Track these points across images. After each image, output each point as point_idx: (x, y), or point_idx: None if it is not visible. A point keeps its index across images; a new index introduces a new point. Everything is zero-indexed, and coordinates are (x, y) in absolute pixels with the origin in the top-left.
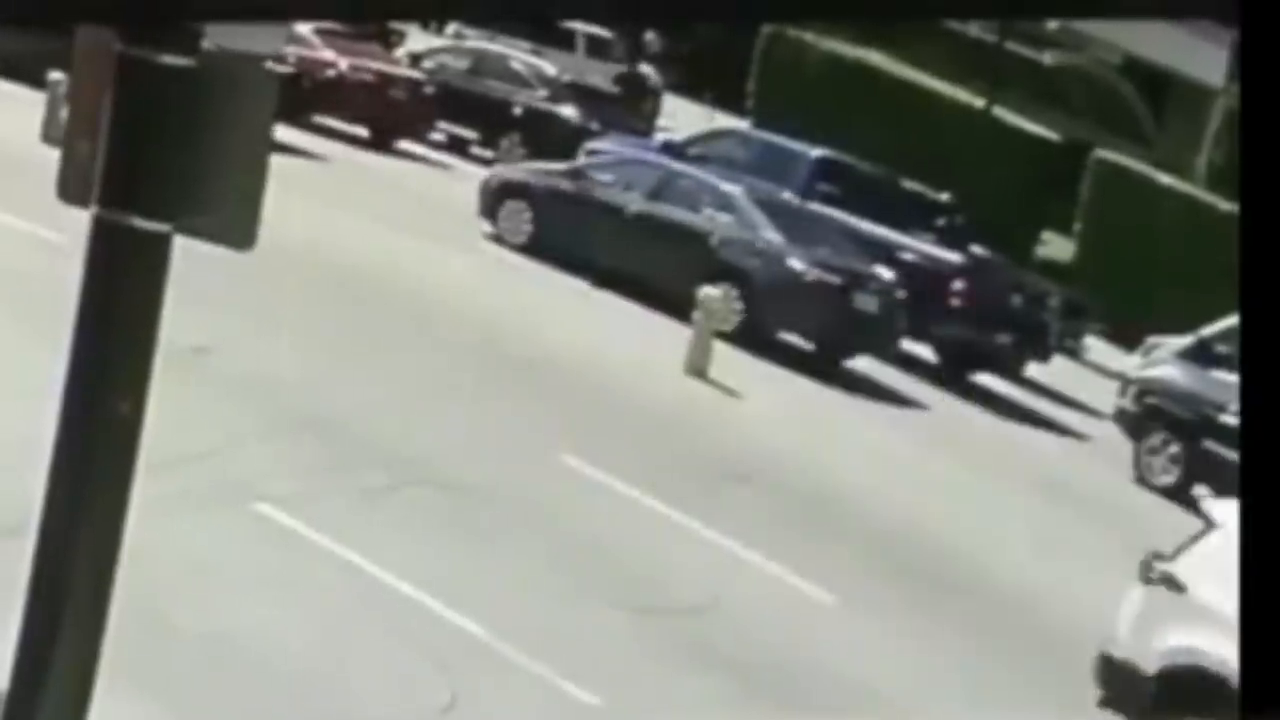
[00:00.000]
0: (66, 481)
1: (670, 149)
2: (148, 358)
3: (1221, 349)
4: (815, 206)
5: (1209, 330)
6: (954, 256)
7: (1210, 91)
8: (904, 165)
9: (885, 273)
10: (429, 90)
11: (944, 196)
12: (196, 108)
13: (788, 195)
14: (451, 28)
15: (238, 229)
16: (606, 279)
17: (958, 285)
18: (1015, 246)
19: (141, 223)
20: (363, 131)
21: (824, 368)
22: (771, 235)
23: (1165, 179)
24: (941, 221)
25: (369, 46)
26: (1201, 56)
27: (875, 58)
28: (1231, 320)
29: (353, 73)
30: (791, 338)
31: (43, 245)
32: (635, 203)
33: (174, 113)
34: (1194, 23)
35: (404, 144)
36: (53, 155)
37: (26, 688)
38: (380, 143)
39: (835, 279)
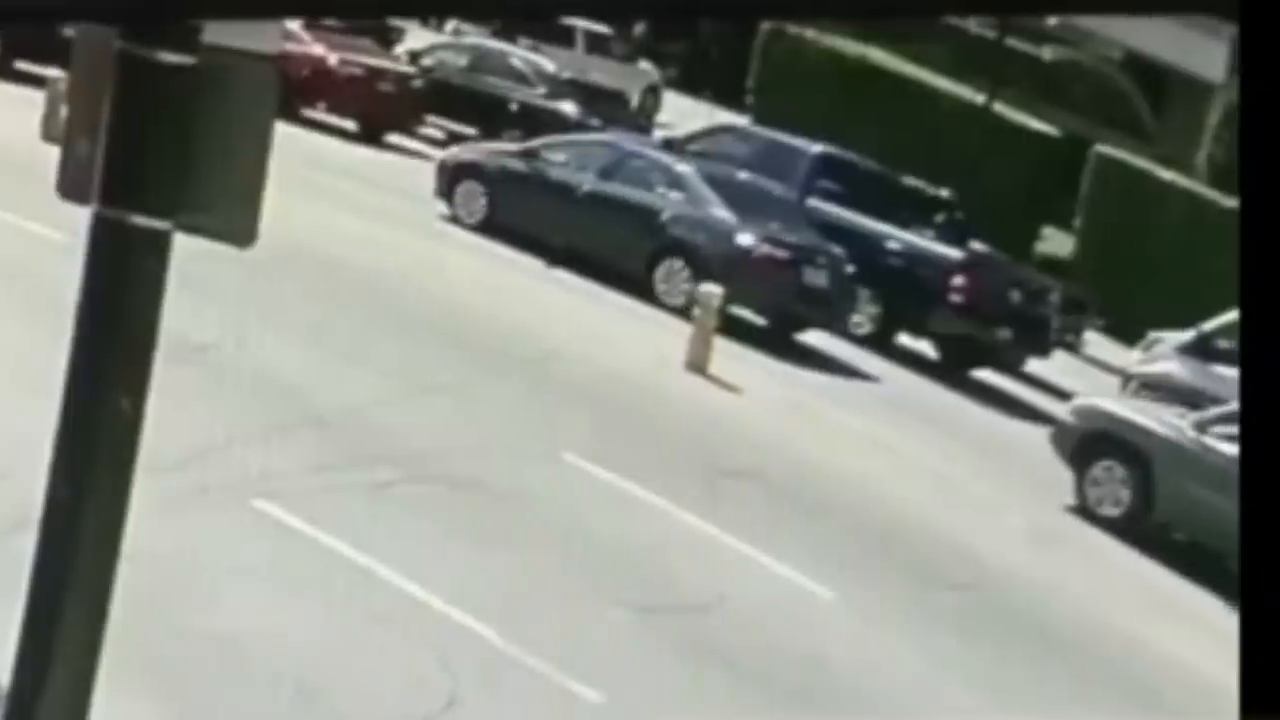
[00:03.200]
0: (67, 479)
1: (670, 146)
2: (148, 355)
3: (1222, 344)
4: (766, 183)
5: (1210, 325)
6: (954, 252)
7: (1210, 87)
8: (904, 161)
9: (834, 247)
10: (418, 84)
11: (944, 192)
12: (197, 105)
13: (745, 175)
14: (451, 24)
15: (239, 226)
16: (560, 257)
17: (958, 281)
18: (1015, 242)
19: (142, 220)
20: (351, 125)
21: (776, 341)
22: (721, 212)
23: (1165, 174)
24: (941, 217)
25: (357, 40)
26: (1201, 52)
27: (875, 54)
28: (1232, 315)
29: (341, 66)
30: (744, 313)
31: (43, 243)
32: (587, 182)
33: (174, 110)
34: (1194, 18)
35: (393, 138)
36: (53, 153)
37: (27, 686)
38: (369, 136)
39: (783, 253)
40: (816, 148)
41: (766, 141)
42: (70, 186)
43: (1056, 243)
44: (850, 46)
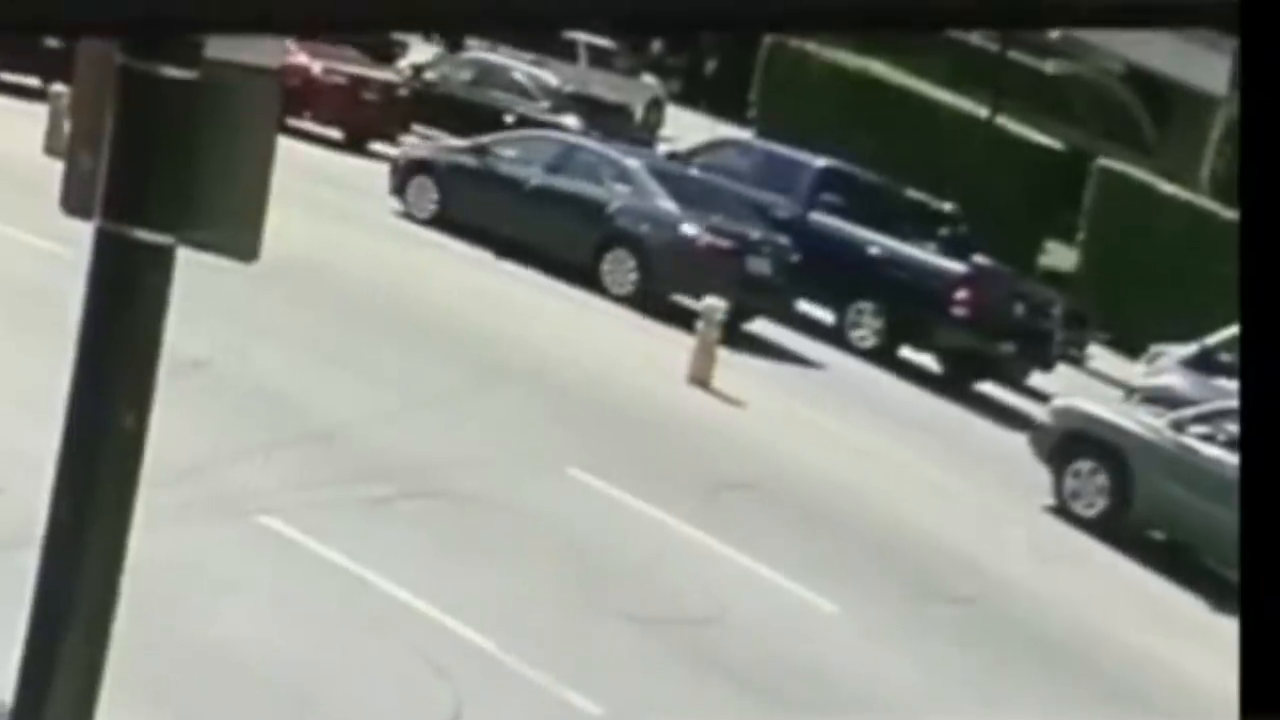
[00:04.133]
0: (70, 494)
1: (674, 159)
2: (151, 370)
3: (1225, 357)
4: (711, 177)
5: (1213, 338)
6: (957, 265)
7: (1212, 100)
8: (907, 175)
9: (780, 237)
10: (403, 93)
11: (947, 206)
12: (199, 120)
13: (694, 171)
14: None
15: (241, 241)
16: (508, 249)
17: (961, 294)
18: (1018, 255)
19: (144, 235)
20: (335, 134)
21: (727, 332)
22: (666, 203)
23: (1168, 187)
24: (945, 231)
25: (342, 49)
26: (1203, 65)
27: (878, 67)
28: (1235, 329)
29: (325, 75)
30: (691, 302)
31: (45, 257)
32: (535, 176)
33: (177, 125)
34: (1196, 32)
35: (377, 146)
36: (55, 167)
37: (31, 701)
38: (353, 145)
39: (726, 243)
40: (819, 161)
41: (769, 155)
42: (73, 201)
43: (1059, 256)
44: (852, 60)
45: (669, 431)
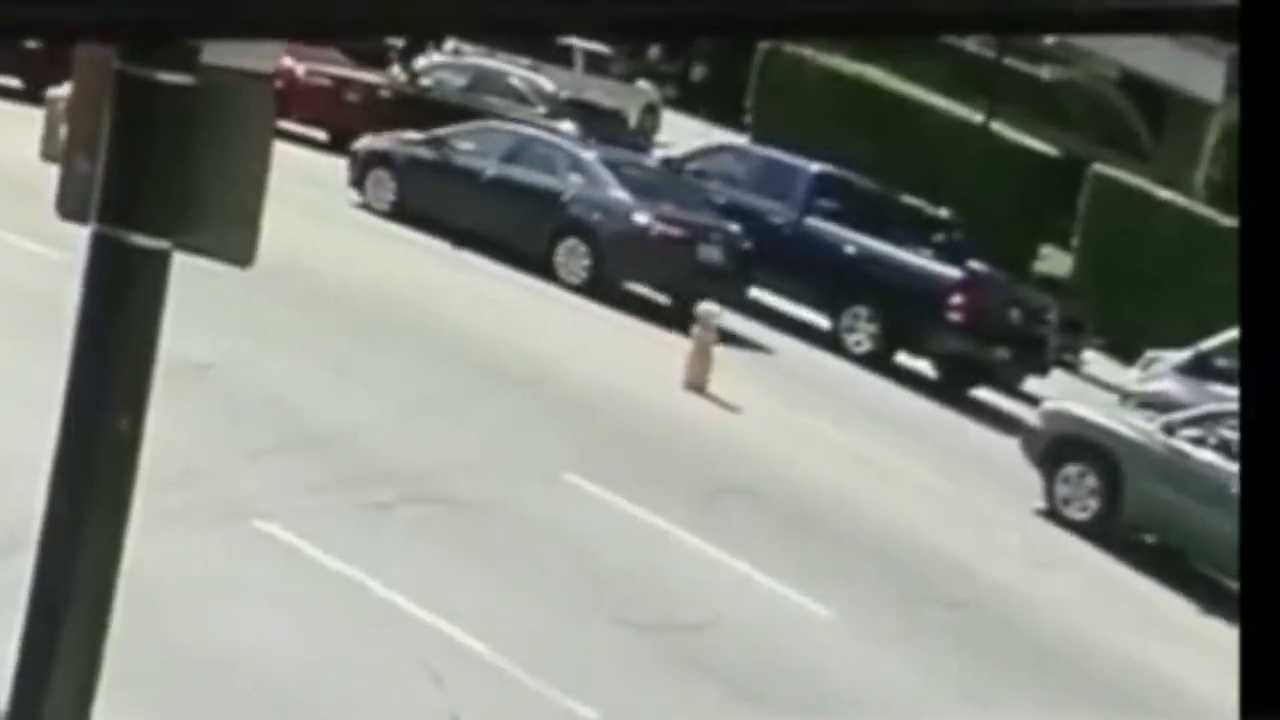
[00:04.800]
0: (66, 498)
1: (669, 165)
2: (147, 374)
3: (1220, 362)
4: (663, 169)
5: (1208, 344)
6: (952, 271)
7: (1207, 106)
8: (902, 180)
9: (731, 226)
10: (386, 94)
11: (942, 211)
12: (195, 124)
13: (649, 162)
14: (450, 44)
15: (237, 245)
16: (464, 239)
17: (956, 300)
18: (1014, 261)
19: (140, 239)
20: (320, 135)
21: (677, 318)
22: (618, 192)
23: (1163, 193)
24: (940, 236)
25: (325, 51)
26: (1199, 71)
27: (873, 73)
28: (1230, 334)
29: (308, 77)
30: (650, 292)
31: (42, 262)
32: (491, 167)
33: (173, 129)
34: (1191, 38)
35: None
36: (51, 172)
37: (25, 707)
38: (337, 146)
39: (678, 231)
40: (815, 166)
41: (765, 160)
42: (69, 206)
43: (1055, 261)
44: (848, 65)
45: (665, 437)
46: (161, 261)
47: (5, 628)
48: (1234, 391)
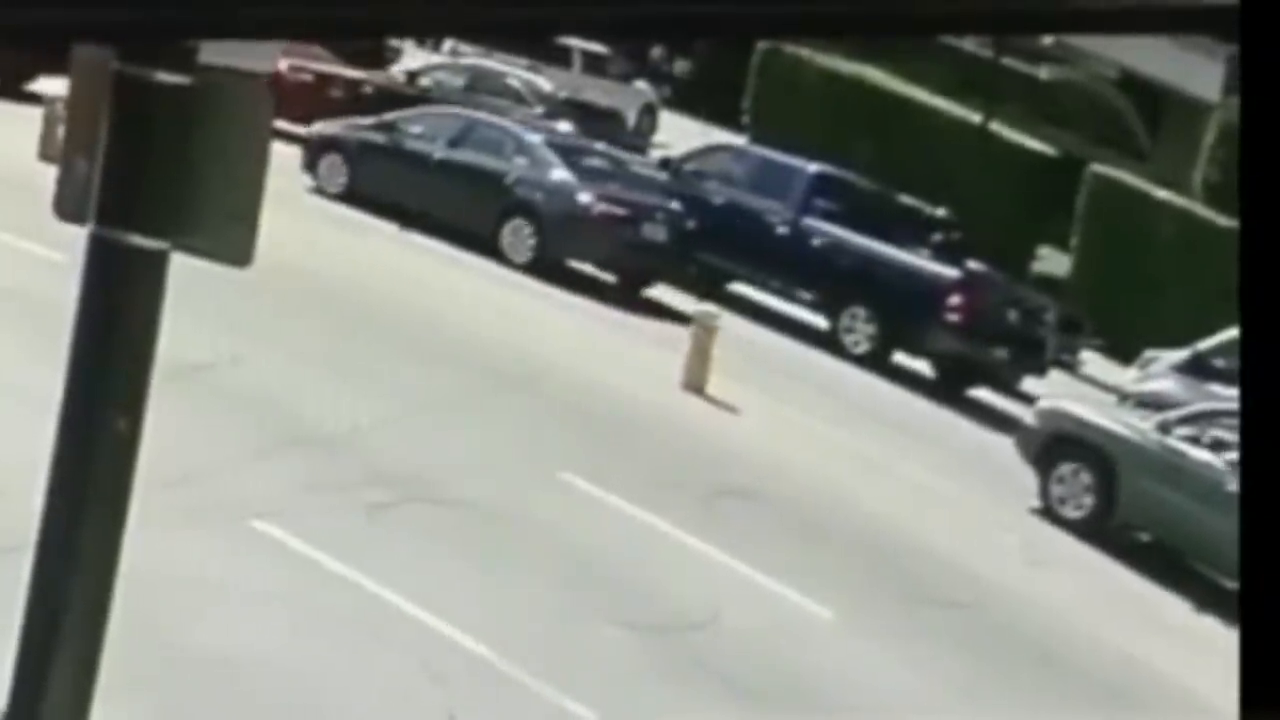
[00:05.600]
0: (64, 499)
1: (667, 165)
2: (145, 374)
3: (1218, 362)
4: (605, 149)
5: (1205, 344)
6: (951, 271)
7: (1206, 106)
8: (901, 180)
9: (674, 204)
10: (368, 90)
11: (940, 211)
12: (193, 125)
13: (600, 146)
14: (448, 44)
15: (235, 246)
16: (414, 220)
17: (954, 300)
18: (1012, 261)
19: (138, 240)
20: (302, 130)
21: (626, 296)
22: (562, 173)
23: (1161, 193)
24: (938, 236)
25: (309, 47)
26: (1197, 71)
27: (872, 73)
28: (1228, 334)
29: (291, 73)
30: (599, 272)
31: (40, 262)
32: (439, 150)
33: (171, 130)
34: (1189, 38)
35: None
36: (50, 172)
37: (23, 708)
38: None
39: (620, 210)
40: (813, 167)
41: (763, 160)
42: (67, 206)
43: (1053, 261)
44: (846, 65)
45: (664, 438)
46: (159, 262)
47: (3, 629)
48: (1232, 391)
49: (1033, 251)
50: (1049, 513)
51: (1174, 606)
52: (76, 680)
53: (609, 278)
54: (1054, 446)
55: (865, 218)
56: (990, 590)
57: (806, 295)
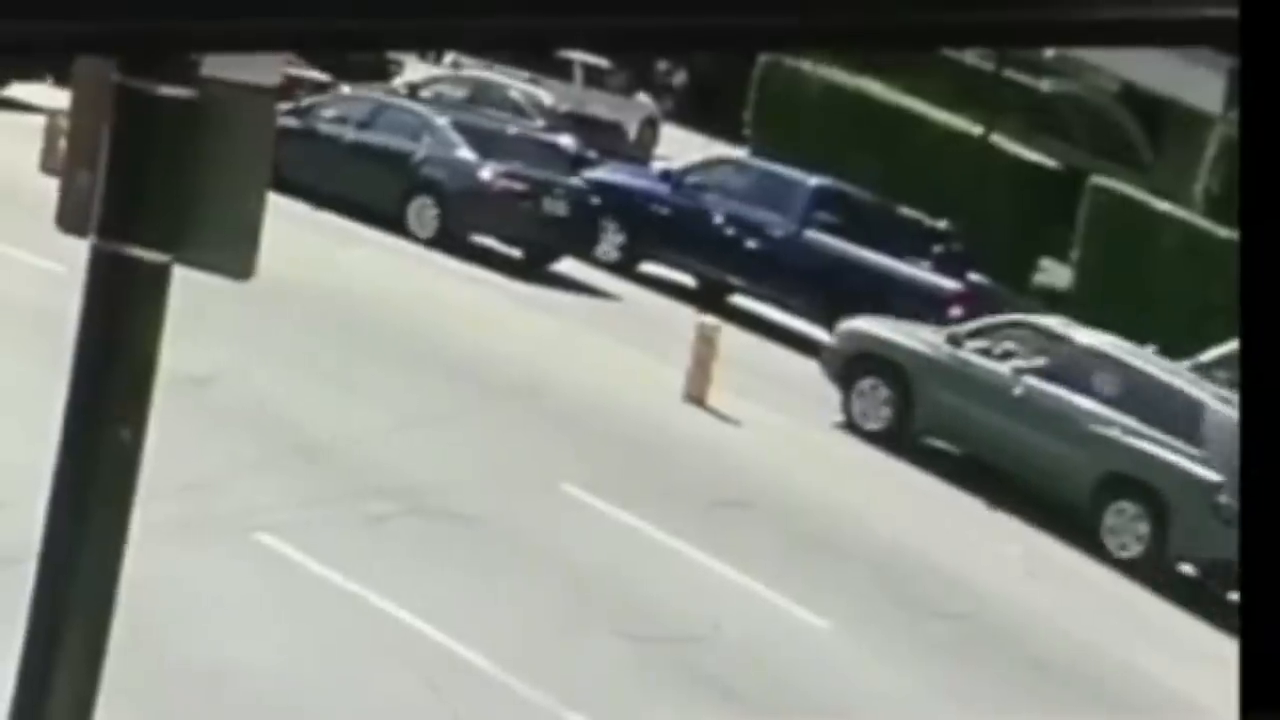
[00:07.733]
0: (66, 510)
1: (668, 178)
2: (147, 386)
3: (1219, 374)
4: (515, 128)
5: (1206, 356)
6: (952, 284)
7: (1207, 118)
8: (901, 193)
9: (576, 180)
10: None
11: (941, 224)
12: (195, 138)
13: (513, 131)
14: (449, 57)
15: (237, 259)
16: (327, 201)
17: (955, 312)
18: (1013, 273)
19: (141, 253)
20: None
21: (530, 271)
22: (465, 152)
23: (1163, 206)
24: (939, 249)
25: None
26: (1198, 84)
27: (872, 86)
28: (1229, 346)
29: None
30: (505, 248)
31: (42, 275)
32: (350, 133)
33: (173, 143)
34: (1191, 50)
35: None
36: (51, 185)
37: (27, 717)
38: None
39: (521, 185)
40: (814, 180)
41: (764, 173)
42: (69, 219)
43: (1054, 274)
44: (847, 78)
45: (665, 449)
46: (162, 275)
47: (5, 639)
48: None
49: (1034, 263)
50: (851, 426)
51: (968, 503)
52: (78, 690)
53: (515, 252)
54: (854, 363)
55: (866, 230)
56: (989, 601)
57: (807, 307)
